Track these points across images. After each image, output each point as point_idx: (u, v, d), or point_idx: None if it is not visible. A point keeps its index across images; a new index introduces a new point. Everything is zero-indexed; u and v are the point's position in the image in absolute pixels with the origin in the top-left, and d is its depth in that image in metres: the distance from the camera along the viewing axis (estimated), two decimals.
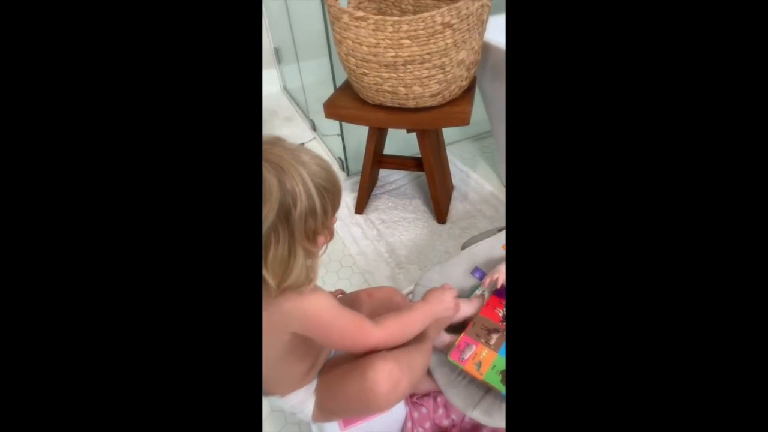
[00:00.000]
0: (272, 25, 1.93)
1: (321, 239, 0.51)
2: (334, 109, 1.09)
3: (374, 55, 0.95)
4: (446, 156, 1.31)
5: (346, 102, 1.09)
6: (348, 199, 1.36)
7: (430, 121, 1.03)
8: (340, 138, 1.40)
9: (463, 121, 1.02)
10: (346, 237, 1.24)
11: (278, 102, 2.03)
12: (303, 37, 1.63)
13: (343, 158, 1.46)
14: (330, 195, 0.48)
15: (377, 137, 1.17)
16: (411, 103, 1.02)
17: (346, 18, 0.92)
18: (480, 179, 1.41)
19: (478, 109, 1.22)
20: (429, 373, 0.71)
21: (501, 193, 1.34)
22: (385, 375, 0.54)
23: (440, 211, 1.24)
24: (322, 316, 0.52)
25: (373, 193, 1.39)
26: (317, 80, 1.48)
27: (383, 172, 1.45)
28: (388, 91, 1.01)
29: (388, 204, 1.35)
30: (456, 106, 1.03)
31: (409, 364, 0.57)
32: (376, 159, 1.25)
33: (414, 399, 0.74)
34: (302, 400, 0.59)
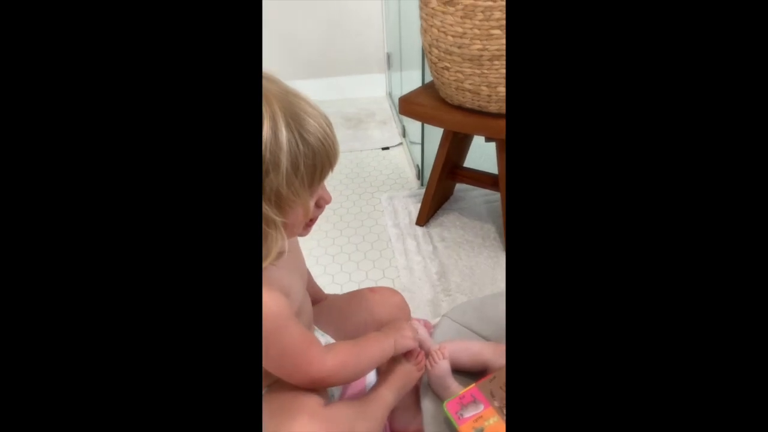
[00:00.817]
0: (388, 31, 1.95)
1: (295, 213, 0.41)
2: (409, 105, 1.01)
3: (459, 47, 0.83)
4: None
5: (424, 99, 0.99)
6: (412, 209, 1.25)
7: None
8: (420, 146, 1.30)
9: None
10: (397, 247, 1.13)
11: (380, 106, 2.04)
12: (408, 46, 1.60)
13: (420, 166, 1.36)
14: (310, 151, 0.38)
15: (452, 144, 1.04)
16: (493, 107, 0.88)
17: (434, 3, 0.83)
18: None
19: None
20: (419, 407, 0.55)
21: None
22: None
23: None
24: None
25: (443, 207, 1.25)
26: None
27: (461, 188, 1.30)
28: (469, 90, 0.88)
29: (456, 222, 1.20)
30: None
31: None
32: (449, 168, 1.12)
33: None
34: None
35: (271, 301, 0.42)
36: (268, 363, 0.45)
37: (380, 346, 0.51)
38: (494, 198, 1.26)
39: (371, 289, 0.65)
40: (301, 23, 1.85)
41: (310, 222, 0.46)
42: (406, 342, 0.53)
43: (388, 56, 2.04)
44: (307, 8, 1.83)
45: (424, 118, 0.99)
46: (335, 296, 0.66)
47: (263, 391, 0.50)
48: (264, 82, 0.38)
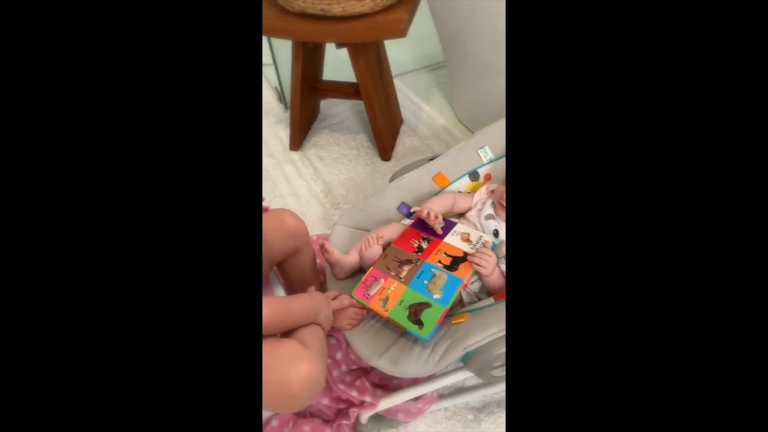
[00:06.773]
0: None
1: None
2: None
3: None
4: (391, 82, 1.16)
5: (264, 10, 0.91)
6: (282, 135, 1.21)
7: (360, 33, 0.87)
8: (273, 67, 1.22)
9: (399, 31, 0.86)
10: (277, 177, 1.10)
11: None
12: None
13: (279, 88, 1.29)
14: None
15: (305, 56, 1.00)
16: (336, 9, 0.85)
17: None
18: (433, 112, 1.27)
19: (434, 35, 1.05)
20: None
21: (453, 127, 1.21)
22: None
23: (383, 146, 1.11)
24: None
25: (313, 127, 1.24)
26: None
27: (326, 105, 1.29)
28: None
29: (329, 140, 1.20)
30: (390, 14, 0.87)
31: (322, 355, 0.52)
32: (309, 85, 1.09)
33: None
34: None
35: None
36: None
37: (306, 311, 0.56)
38: (361, 107, 1.29)
39: (264, 208, 0.65)
40: None
41: None
42: (327, 320, 0.58)
43: None
44: None
45: (267, 31, 0.92)
46: None
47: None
48: None
